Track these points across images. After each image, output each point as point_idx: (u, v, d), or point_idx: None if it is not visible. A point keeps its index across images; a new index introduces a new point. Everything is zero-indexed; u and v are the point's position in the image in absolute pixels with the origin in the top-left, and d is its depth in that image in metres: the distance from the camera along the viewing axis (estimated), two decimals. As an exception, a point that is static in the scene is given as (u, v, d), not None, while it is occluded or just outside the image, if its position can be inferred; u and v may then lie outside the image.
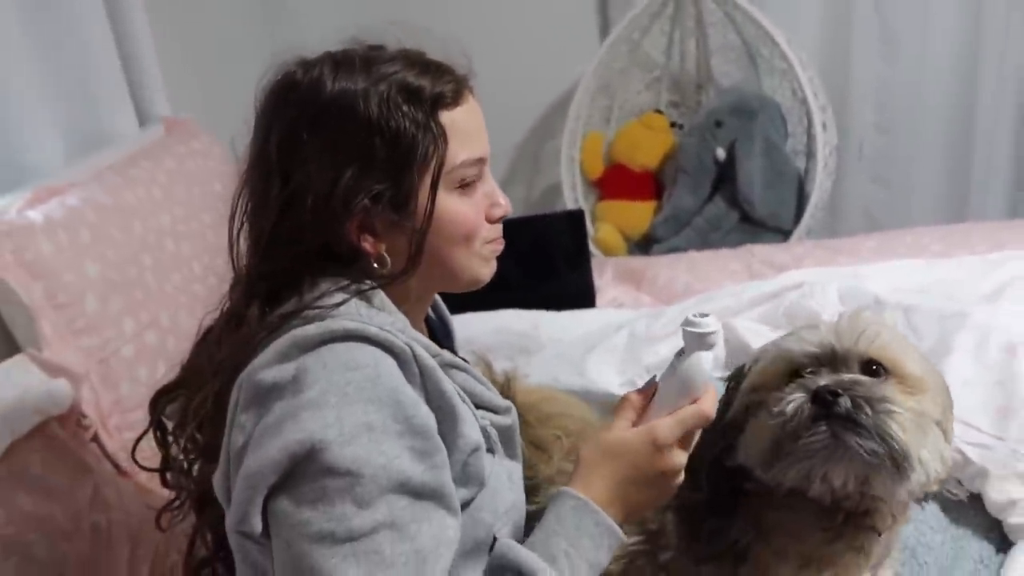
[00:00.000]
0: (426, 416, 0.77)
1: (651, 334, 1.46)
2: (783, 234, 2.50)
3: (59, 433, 1.19)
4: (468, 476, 0.82)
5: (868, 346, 0.84)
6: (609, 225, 2.72)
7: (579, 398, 1.31)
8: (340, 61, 0.83)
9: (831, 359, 0.84)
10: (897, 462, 0.78)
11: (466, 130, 0.85)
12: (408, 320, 0.85)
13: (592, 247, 2.67)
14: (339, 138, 0.80)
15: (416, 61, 0.85)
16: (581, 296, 1.84)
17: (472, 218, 0.86)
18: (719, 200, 2.53)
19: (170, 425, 0.91)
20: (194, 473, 0.90)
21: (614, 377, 1.42)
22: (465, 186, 0.86)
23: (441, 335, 1.05)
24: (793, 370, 0.86)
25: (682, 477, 0.85)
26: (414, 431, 0.75)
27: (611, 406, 1.37)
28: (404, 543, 0.71)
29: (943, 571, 1.04)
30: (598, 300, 1.87)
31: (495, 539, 0.85)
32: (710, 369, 0.84)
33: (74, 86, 1.66)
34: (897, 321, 1.25)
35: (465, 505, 0.81)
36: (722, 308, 1.45)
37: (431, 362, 0.80)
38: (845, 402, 0.78)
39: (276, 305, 0.83)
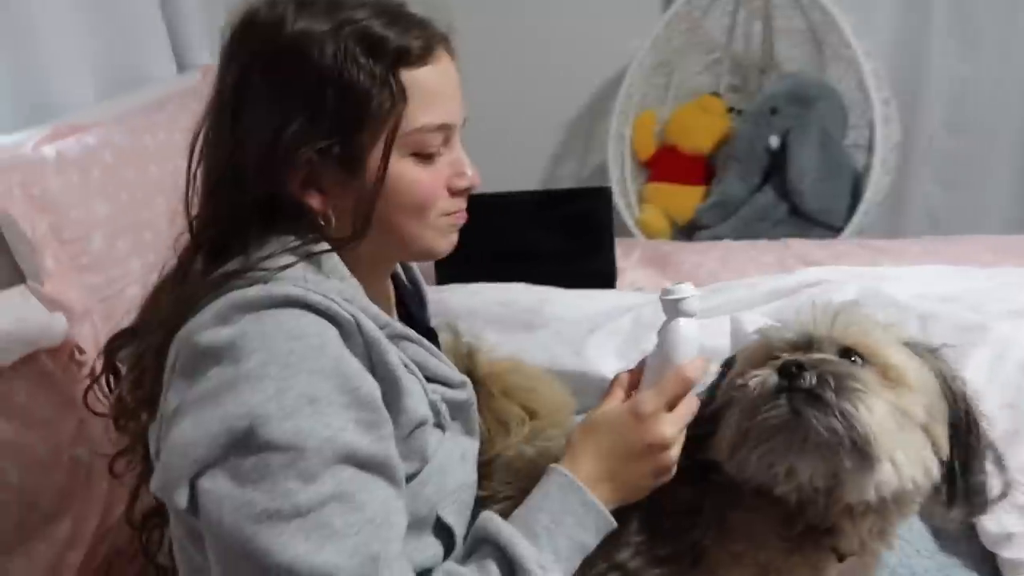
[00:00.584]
0: (372, 387, 0.74)
1: (657, 320, 1.40)
2: (834, 230, 2.39)
3: (48, 366, 1.21)
4: (410, 451, 0.79)
5: (843, 332, 0.81)
6: (655, 208, 2.65)
7: (575, 381, 1.27)
8: (305, 2, 0.79)
9: (807, 345, 0.81)
10: (859, 445, 0.73)
11: (431, 92, 0.80)
12: (361, 286, 0.82)
13: (635, 228, 2.61)
14: (290, 84, 0.77)
15: (387, 10, 0.80)
16: (601, 276, 1.78)
17: (427, 188, 0.81)
18: (769, 190, 2.44)
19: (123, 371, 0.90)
20: (142, 421, 0.89)
21: (613, 361, 1.37)
22: (425, 153, 0.81)
23: (413, 303, 1.02)
24: (771, 356, 0.82)
25: (676, 451, 0.83)
26: (360, 402, 0.73)
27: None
28: (354, 514, 0.69)
29: (925, 599, 0.98)
30: (618, 282, 1.81)
31: (438, 517, 0.83)
32: (692, 335, 0.83)
33: (111, 28, 1.68)
34: (912, 329, 1.16)
35: (407, 480, 0.79)
36: (735, 300, 1.38)
37: (376, 333, 0.77)
38: (810, 376, 0.75)
39: (222, 259, 0.81)
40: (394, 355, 0.78)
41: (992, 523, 0.99)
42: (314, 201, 0.80)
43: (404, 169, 0.80)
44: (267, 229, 0.80)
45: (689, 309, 0.82)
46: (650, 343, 1.39)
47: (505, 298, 1.54)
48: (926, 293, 1.27)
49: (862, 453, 0.73)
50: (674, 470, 0.84)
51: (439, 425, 0.84)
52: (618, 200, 2.63)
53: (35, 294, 1.26)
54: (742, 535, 0.85)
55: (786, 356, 0.79)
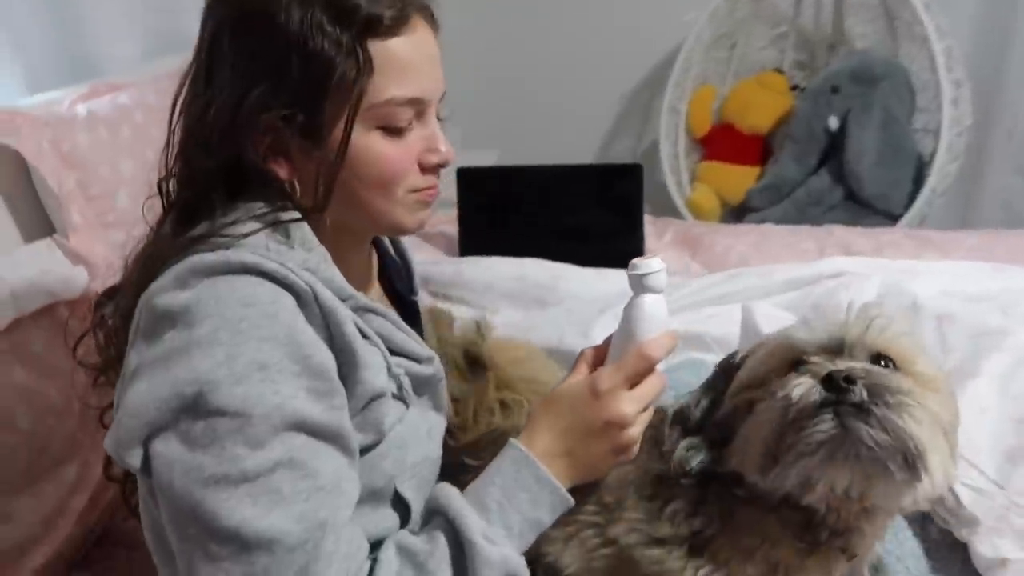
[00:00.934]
0: (325, 357, 0.74)
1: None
2: (892, 219, 2.27)
3: (67, 317, 1.26)
4: (366, 423, 0.79)
5: (877, 338, 0.77)
6: (707, 187, 2.58)
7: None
8: None
9: (838, 349, 0.77)
10: (910, 461, 0.70)
11: (403, 64, 0.77)
12: (330, 257, 0.81)
13: (684, 209, 2.54)
14: (256, 49, 0.76)
15: None
16: (628, 255, 1.73)
17: (395, 162, 0.80)
18: (824, 174, 2.34)
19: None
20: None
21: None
22: (393, 127, 0.79)
23: (398, 275, 1.02)
24: (796, 360, 0.78)
25: (637, 430, 0.81)
26: (312, 371, 0.73)
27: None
28: (304, 480, 0.70)
29: (914, 620, 0.93)
30: (646, 263, 1.76)
31: (396, 491, 0.83)
32: (657, 312, 0.80)
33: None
34: (927, 330, 1.10)
35: (363, 452, 0.79)
36: (749, 288, 1.33)
37: (334, 303, 0.76)
38: (860, 390, 0.70)
39: (193, 222, 0.81)
40: (351, 326, 0.77)
41: (986, 547, 0.92)
42: (280, 169, 0.80)
43: (370, 142, 0.79)
44: (236, 195, 0.81)
45: (655, 285, 0.79)
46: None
47: (520, 273, 1.52)
48: (953, 291, 1.19)
49: (913, 468, 0.71)
50: (635, 449, 0.82)
51: (400, 398, 0.83)
52: (668, 178, 2.57)
53: (60, 247, 1.32)
54: (755, 532, 0.82)
55: (823, 362, 0.75)
